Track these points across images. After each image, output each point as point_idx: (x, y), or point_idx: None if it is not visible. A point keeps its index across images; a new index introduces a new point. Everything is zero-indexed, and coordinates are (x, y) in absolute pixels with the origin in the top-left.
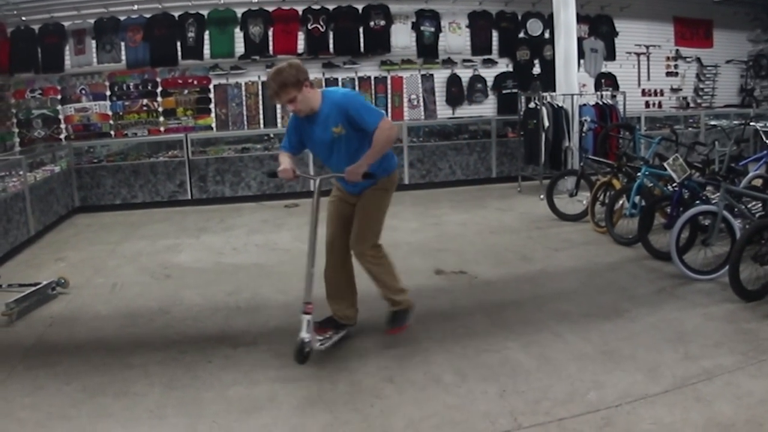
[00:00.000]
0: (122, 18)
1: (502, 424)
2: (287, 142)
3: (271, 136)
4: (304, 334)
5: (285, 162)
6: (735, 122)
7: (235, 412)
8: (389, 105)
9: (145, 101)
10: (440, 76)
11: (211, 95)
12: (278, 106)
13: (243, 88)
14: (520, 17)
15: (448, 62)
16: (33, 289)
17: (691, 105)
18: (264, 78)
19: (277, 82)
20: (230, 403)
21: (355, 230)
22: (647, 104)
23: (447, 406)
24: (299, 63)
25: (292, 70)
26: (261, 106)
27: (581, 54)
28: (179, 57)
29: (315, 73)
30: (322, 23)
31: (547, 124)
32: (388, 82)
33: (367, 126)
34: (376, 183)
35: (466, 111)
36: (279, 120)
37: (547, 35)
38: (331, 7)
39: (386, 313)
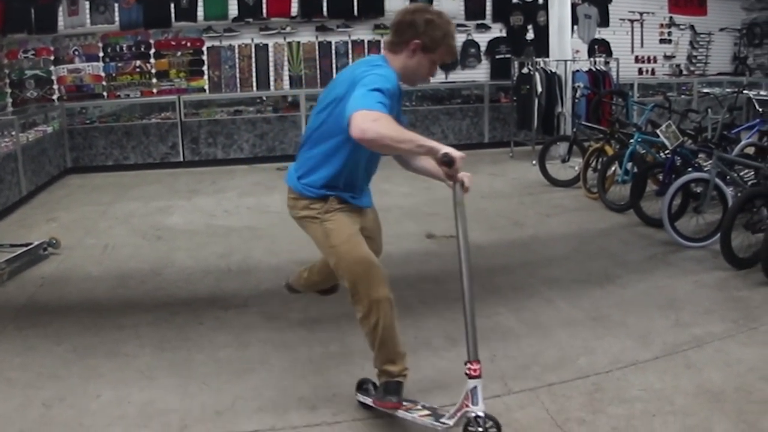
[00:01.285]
0: None
1: (492, 389)
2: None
3: (264, 99)
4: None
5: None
6: (728, 90)
7: (226, 374)
8: None
9: (138, 63)
10: None
11: (204, 57)
12: (271, 70)
13: (236, 51)
14: None
15: None
16: (24, 249)
17: (684, 72)
18: (257, 41)
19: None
20: (221, 364)
21: (379, 247)
22: (640, 71)
23: (437, 370)
24: None
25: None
26: (254, 69)
27: (575, 20)
28: (173, 19)
29: (308, 36)
30: None
31: (540, 89)
32: (382, 45)
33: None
34: None
35: (459, 76)
36: (272, 83)
37: (541, 1)
38: None
39: None
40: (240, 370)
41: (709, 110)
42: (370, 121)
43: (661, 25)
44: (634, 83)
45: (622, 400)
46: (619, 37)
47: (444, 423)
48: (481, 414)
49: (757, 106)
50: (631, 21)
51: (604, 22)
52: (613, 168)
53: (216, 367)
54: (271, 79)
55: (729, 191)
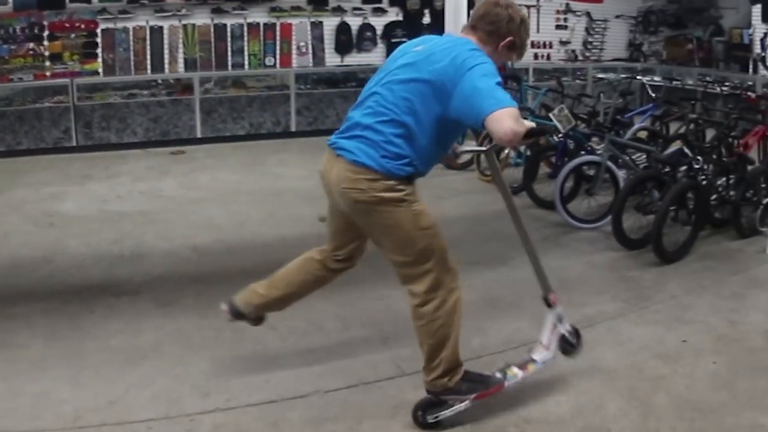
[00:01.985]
0: None
1: (385, 371)
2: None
3: (159, 82)
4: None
5: None
6: (622, 76)
7: (119, 362)
8: (278, 52)
9: (31, 45)
10: (329, 23)
11: (99, 40)
12: (166, 53)
13: (131, 33)
14: None
15: (338, 10)
16: None
17: (580, 58)
18: (152, 23)
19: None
20: (113, 352)
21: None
22: (536, 56)
23: (330, 354)
24: None
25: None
26: (148, 52)
27: (471, 4)
28: (67, 0)
29: (203, 18)
30: None
31: None
32: (277, 28)
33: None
34: None
35: (355, 59)
36: (167, 66)
37: None
38: None
39: None
40: (133, 358)
41: (602, 95)
42: (515, 121)
43: (558, 11)
44: (528, 68)
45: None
46: None
47: (546, 356)
48: (570, 327)
49: (650, 92)
50: (528, 6)
51: None
52: (506, 151)
53: (109, 355)
54: (166, 61)
55: (621, 174)
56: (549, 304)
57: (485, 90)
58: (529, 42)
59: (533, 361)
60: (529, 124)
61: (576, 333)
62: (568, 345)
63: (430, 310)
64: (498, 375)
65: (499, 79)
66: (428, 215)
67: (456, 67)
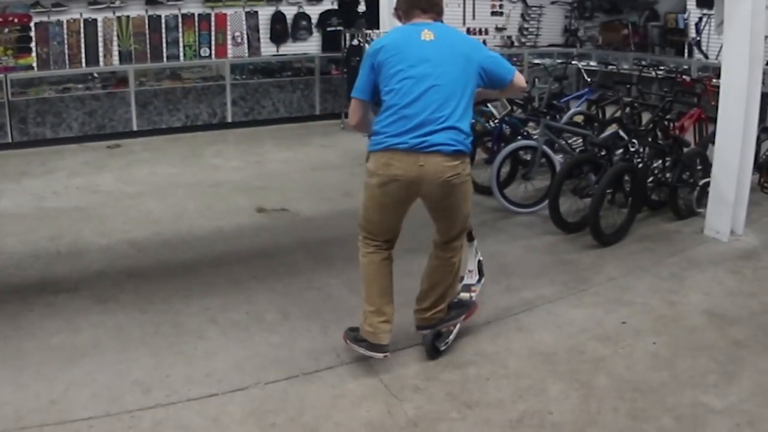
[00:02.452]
0: None
1: (325, 361)
2: None
3: (95, 75)
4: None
5: None
6: (558, 61)
7: (59, 361)
8: (213, 42)
9: None
10: (264, 13)
11: (32, 33)
12: (100, 46)
13: (65, 26)
14: None
15: None
16: None
17: (516, 44)
18: (86, 16)
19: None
20: (53, 351)
21: None
22: None
23: (270, 345)
24: None
25: None
26: (83, 45)
27: None
28: None
29: (138, 10)
30: None
31: None
32: (212, 19)
33: None
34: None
35: (291, 48)
36: (101, 59)
37: None
38: None
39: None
40: (72, 356)
41: (537, 80)
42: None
43: None
44: None
45: (456, 366)
46: (452, 9)
47: (479, 279)
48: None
49: (585, 77)
50: None
51: None
52: None
53: (48, 354)
54: (101, 54)
55: (557, 158)
56: (471, 238)
57: (500, 59)
58: None
59: (471, 285)
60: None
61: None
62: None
63: (458, 259)
64: (466, 296)
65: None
66: None
67: (478, 49)
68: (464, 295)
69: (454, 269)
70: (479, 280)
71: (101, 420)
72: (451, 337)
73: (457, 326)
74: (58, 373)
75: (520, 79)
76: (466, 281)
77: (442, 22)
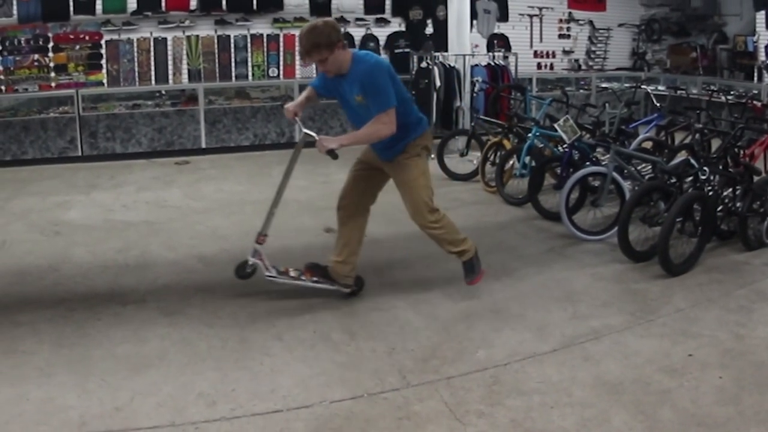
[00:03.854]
0: None
1: (390, 383)
2: (315, 80)
3: (163, 92)
4: (250, 258)
5: (299, 98)
6: (626, 85)
7: (124, 370)
8: (281, 63)
9: (36, 56)
10: None
11: (103, 51)
12: (170, 64)
13: (135, 44)
14: None
15: (341, 21)
16: None
17: (583, 67)
18: (156, 34)
19: (310, 41)
20: (119, 360)
21: (407, 206)
22: (539, 66)
23: (336, 364)
24: (334, 22)
25: (326, 30)
26: (152, 63)
27: (474, 15)
28: (71, 12)
29: (207, 29)
30: None
31: (438, 83)
32: (281, 39)
33: (372, 110)
34: (406, 150)
35: None
36: (171, 77)
37: None
38: None
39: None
40: (138, 365)
41: (607, 105)
42: None
43: (560, 21)
44: (532, 78)
45: (521, 393)
46: (518, 31)
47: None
48: (249, 260)
49: (654, 101)
50: (531, 16)
51: (503, 17)
52: (511, 162)
53: (114, 363)
54: (170, 72)
55: (626, 185)
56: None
57: None
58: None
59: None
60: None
61: (241, 265)
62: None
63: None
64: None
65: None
66: None
67: None
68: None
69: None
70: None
71: (165, 430)
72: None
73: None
74: (123, 381)
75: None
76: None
77: None
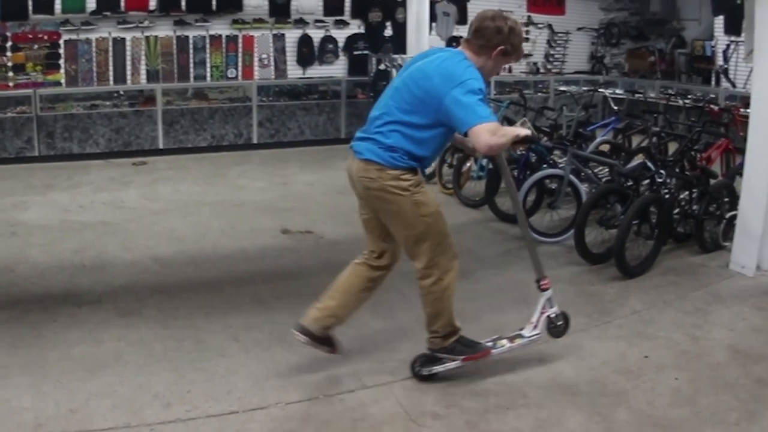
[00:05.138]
0: None
1: (346, 384)
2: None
3: (121, 93)
4: (556, 309)
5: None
6: (584, 88)
7: (80, 371)
8: (240, 64)
9: None
10: (291, 35)
11: (61, 51)
12: (128, 64)
13: (93, 44)
14: None
15: (300, 22)
16: None
17: (541, 71)
18: (115, 35)
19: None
20: (75, 362)
21: None
22: None
23: (292, 366)
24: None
25: None
26: (111, 63)
27: (433, 17)
28: (30, 11)
29: (166, 30)
30: None
31: None
32: (240, 41)
33: None
34: None
35: (317, 71)
36: (129, 77)
37: None
38: None
39: None
40: (94, 367)
41: (564, 108)
42: (491, 135)
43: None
44: (490, 81)
45: (476, 394)
46: None
47: (535, 333)
48: (558, 311)
49: (612, 105)
50: None
51: (462, 19)
52: (468, 164)
53: (70, 364)
54: (128, 73)
55: (583, 188)
56: (541, 288)
57: (468, 104)
58: (522, 45)
59: (521, 336)
60: (524, 131)
61: (564, 317)
62: (554, 327)
63: (427, 284)
64: (488, 343)
65: (481, 92)
66: (431, 204)
67: (451, 83)
68: (503, 342)
69: (428, 294)
70: (533, 336)
71: (121, 431)
72: (441, 368)
73: (455, 363)
74: (79, 383)
75: (478, 135)
76: (520, 330)
77: (488, 55)
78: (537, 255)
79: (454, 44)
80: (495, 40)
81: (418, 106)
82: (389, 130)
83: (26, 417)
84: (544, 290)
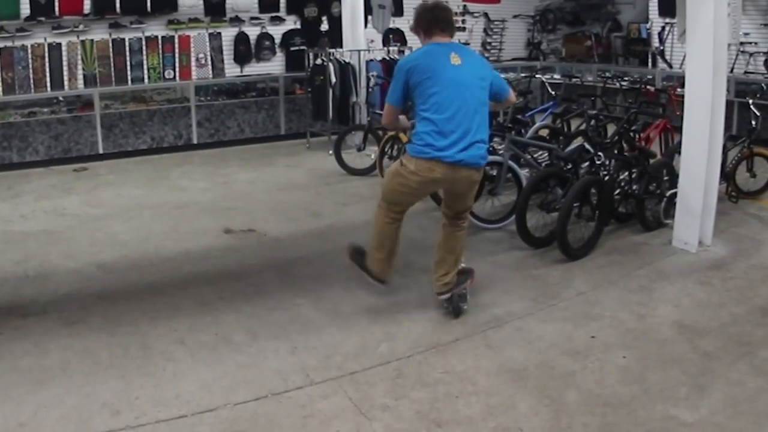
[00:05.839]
0: None
1: (294, 381)
2: None
3: (59, 99)
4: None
5: None
6: (522, 75)
7: (27, 383)
8: (177, 64)
9: None
10: (228, 34)
11: None
12: (65, 69)
13: (29, 51)
14: None
15: (236, 20)
16: None
17: None
18: (50, 40)
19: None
20: (21, 374)
21: None
22: None
23: (239, 366)
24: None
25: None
26: (48, 69)
27: (369, 10)
28: None
29: (101, 33)
30: None
31: (334, 80)
32: (176, 41)
33: None
34: (403, 153)
35: (255, 69)
36: (66, 83)
37: None
38: None
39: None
40: (41, 378)
41: None
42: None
43: (456, 14)
44: None
45: (425, 384)
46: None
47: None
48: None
49: (550, 90)
50: None
51: (398, 11)
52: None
53: (17, 376)
54: (66, 78)
55: (523, 173)
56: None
57: (501, 78)
58: None
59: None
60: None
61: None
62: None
63: (466, 226)
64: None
65: None
66: None
67: (490, 70)
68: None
69: (464, 236)
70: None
71: None
72: (469, 298)
73: (467, 289)
74: (27, 395)
75: (512, 94)
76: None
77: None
78: None
79: (391, 36)
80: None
81: (485, 100)
82: (484, 129)
83: None
84: None
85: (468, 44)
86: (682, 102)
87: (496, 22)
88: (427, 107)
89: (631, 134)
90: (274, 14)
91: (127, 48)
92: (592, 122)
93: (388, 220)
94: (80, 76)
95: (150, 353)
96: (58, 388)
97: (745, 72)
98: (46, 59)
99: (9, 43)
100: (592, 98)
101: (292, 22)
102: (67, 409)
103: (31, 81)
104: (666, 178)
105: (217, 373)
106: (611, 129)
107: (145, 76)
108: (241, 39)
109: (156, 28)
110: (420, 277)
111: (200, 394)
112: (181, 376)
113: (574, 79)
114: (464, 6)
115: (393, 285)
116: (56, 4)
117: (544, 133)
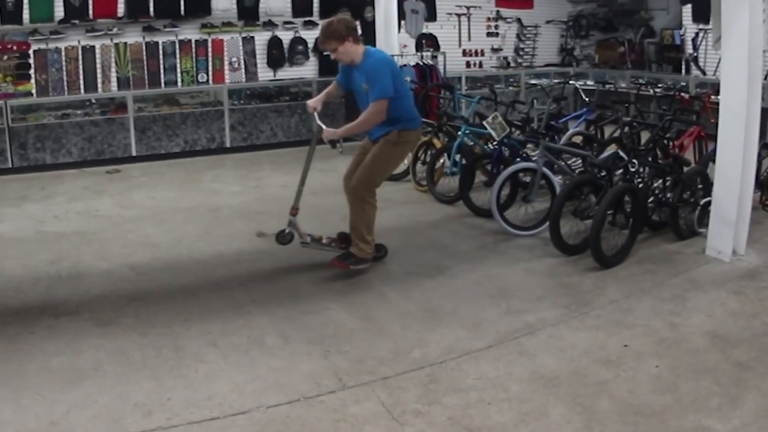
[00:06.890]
0: None
1: (326, 385)
2: (338, 75)
3: (93, 101)
4: (286, 228)
5: (320, 94)
6: (555, 81)
7: (59, 383)
8: (210, 68)
9: None
10: (261, 38)
11: (31, 61)
12: (98, 72)
13: (63, 53)
14: None
15: (269, 24)
16: None
17: (512, 65)
18: (84, 43)
19: (324, 33)
20: (54, 373)
21: (358, 173)
22: (468, 64)
23: (271, 369)
24: (349, 19)
25: (339, 26)
26: (81, 71)
27: (402, 15)
28: None
29: (135, 36)
30: None
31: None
32: (209, 45)
33: (371, 97)
34: (389, 135)
35: (288, 73)
36: (99, 85)
37: None
38: None
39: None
40: (73, 378)
41: (535, 101)
42: None
43: (488, 19)
44: (461, 76)
45: (457, 390)
46: (447, 31)
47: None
48: (286, 229)
49: (583, 96)
50: (458, 15)
51: (431, 16)
52: (441, 160)
53: (49, 376)
54: (99, 81)
55: (557, 180)
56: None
57: None
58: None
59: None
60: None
61: (280, 232)
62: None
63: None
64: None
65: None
66: None
67: None
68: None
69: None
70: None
71: None
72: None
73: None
74: (59, 394)
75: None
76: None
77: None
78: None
79: (424, 41)
80: None
81: None
82: None
83: (7, 431)
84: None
85: (501, 50)
86: (717, 109)
87: (529, 28)
88: (406, 91)
89: (665, 142)
90: (307, 18)
91: (161, 51)
92: (626, 129)
93: (375, 205)
94: (114, 79)
95: (182, 355)
96: (90, 388)
97: None
98: (80, 62)
99: (43, 46)
100: (626, 105)
101: None
102: (99, 408)
103: (65, 83)
104: (700, 186)
105: (249, 376)
106: (645, 136)
107: (179, 80)
108: (274, 43)
109: (189, 32)
110: (452, 283)
111: (232, 397)
112: (214, 378)
113: (607, 86)
114: (497, 11)
115: (426, 289)
116: (90, 6)
117: (578, 139)
